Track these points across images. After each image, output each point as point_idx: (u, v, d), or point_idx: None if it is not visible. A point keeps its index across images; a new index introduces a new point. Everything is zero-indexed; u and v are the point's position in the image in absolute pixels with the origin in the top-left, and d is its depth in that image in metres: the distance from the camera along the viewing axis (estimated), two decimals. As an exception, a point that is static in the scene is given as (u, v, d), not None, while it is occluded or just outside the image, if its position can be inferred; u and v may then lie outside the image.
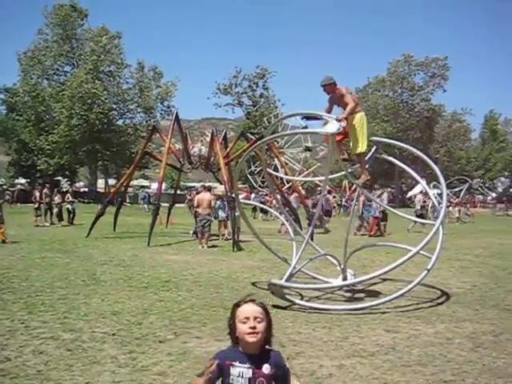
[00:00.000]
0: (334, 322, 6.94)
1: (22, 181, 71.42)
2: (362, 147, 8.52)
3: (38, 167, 56.70)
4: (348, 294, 9.12)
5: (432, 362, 5.33)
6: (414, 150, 10.15)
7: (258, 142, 9.96)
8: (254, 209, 34.20)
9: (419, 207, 26.27)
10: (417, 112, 75.00)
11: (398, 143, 11.31)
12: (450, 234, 22.02)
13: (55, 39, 58.73)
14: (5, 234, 15.97)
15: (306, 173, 39.03)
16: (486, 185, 60.03)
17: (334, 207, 35.49)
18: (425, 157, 9.44)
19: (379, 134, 52.77)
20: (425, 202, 26.48)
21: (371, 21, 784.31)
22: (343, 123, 8.02)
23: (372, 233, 21.42)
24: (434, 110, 74.74)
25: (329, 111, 8.72)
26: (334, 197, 36.65)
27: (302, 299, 8.30)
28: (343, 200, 40.58)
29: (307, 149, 35.57)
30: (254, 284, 9.81)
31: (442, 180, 8.72)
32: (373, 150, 9.59)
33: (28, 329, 6.31)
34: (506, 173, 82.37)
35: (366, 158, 9.40)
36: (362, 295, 9.00)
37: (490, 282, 10.39)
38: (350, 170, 9.68)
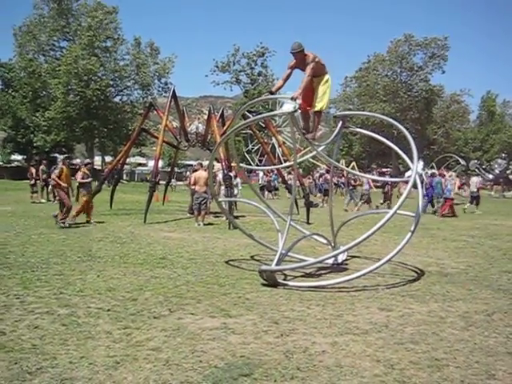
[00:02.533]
0: (328, 299, 6.98)
1: (19, 157, 71.21)
2: (321, 105, 8.69)
3: (35, 144, 56.41)
4: (339, 270, 9.15)
5: (424, 340, 5.37)
6: (382, 117, 10.27)
7: (228, 133, 10.13)
8: (262, 188, 34.21)
9: (475, 189, 25.42)
10: (415, 92, 74.73)
11: (361, 113, 11.45)
12: (445, 216, 22.12)
13: (51, 14, 58.02)
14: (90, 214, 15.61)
15: (302, 152, 38.98)
16: (483, 166, 59.96)
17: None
18: (400, 126, 9.41)
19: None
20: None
21: (371, 3, 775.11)
22: (298, 100, 8.23)
23: (444, 212, 21.75)
24: (433, 91, 74.46)
25: (287, 78, 8.77)
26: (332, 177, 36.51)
27: (284, 279, 8.24)
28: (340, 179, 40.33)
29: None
30: (230, 265, 9.83)
31: (414, 153, 8.55)
32: (339, 124, 9.68)
33: (23, 304, 6.33)
34: (504, 154, 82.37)
35: (334, 133, 9.72)
36: (351, 270, 8.97)
37: (484, 262, 10.44)
38: (320, 149, 9.76)
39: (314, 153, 10.52)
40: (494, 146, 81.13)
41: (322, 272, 9.10)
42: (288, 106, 8.24)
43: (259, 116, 12.20)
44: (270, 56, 69.18)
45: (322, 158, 11.58)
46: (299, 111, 8.61)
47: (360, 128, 13.43)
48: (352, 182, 25.85)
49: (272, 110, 47.38)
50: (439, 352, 5.02)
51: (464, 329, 5.80)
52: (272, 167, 22.02)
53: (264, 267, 8.04)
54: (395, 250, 8.23)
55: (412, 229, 8.25)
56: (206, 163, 19.68)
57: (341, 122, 9.70)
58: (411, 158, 8.58)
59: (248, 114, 19.25)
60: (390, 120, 10.12)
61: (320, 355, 4.87)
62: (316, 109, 8.74)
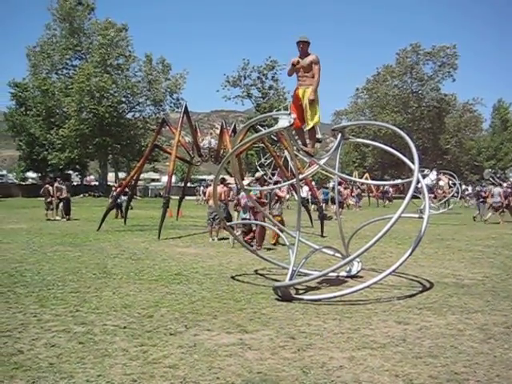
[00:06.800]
0: (345, 313, 6.93)
1: (33, 175, 72.03)
2: (315, 120, 8.65)
3: (49, 161, 57.11)
4: (351, 281, 9.09)
5: (443, 353, 5.30)
6: (381, 124, 10.30)
7: (234, 148, 10.17)
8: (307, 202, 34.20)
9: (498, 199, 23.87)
10: (426, 102, 74.56)
11: (358, 122, 11.48)
12: (460, 225, 21.94)
13: (63, 34, 58.94)
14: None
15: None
16: (498, 175, 59.48)
17: (346, 198, 35.37)
18: (401, 132, 9.38)
19: (389, 125, 52.53)
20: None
21: (379, 13, 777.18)
22: (293, 115, 8.24)
23: None
24: (445, 100, 74.26)
25: (291, 74, 8.83)
26: (346, 188, 36.47)
27: (297, 293, 8.19)
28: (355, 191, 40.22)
29: (317, 140, 35.45)
30: (245, 279, 9.79)
31: (416, 161, 8.47)
32: (338, 137, 9.69)
33: (40, 322, 6.35)
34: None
35: (334, 146, 9.68)
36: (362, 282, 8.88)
37: (501, 272, 10.31)
38: (322, 162, 9.78)
39: (318, 167, 10.55)
40: (509, 154, 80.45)
41: (336, 284, 9.05)
42: (282, 122, 8.20)
43: (256, 135, 12.31)
44: (280, 69, 69.48)
45: (325, 171, 11.64)
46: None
47: (372, 139, 13.47)
48: (482, 193, 25.79)
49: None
50: (458, 366, 4.95)
51: (483, 341, 5.72)
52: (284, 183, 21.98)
53: (277, 284, 8.03)
54: (407, 254, 8.13)
55: (422, 229, 8.14)
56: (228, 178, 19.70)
57: (340, 135, 9.72)
58: (425, 167, 8.57)
59: (260, 127, 19.31)
60: (390, 126, 10.19)
61: (337, 370, 4.82)
62: (308, 127, 8.76)
